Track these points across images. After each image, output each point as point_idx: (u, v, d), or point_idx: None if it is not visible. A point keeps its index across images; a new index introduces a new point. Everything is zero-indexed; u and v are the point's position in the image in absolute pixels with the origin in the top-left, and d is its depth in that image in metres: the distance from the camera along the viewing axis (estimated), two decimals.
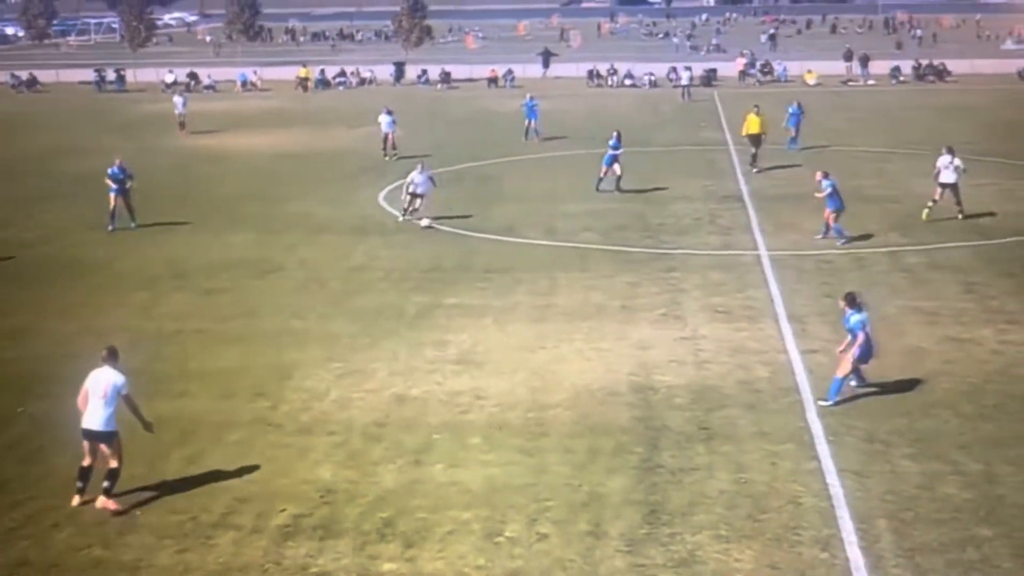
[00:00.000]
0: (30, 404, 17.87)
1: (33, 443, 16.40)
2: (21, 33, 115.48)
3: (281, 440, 16.42)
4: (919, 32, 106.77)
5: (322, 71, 75.29)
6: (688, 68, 66.14)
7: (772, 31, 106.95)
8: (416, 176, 30.72)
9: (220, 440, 16.41)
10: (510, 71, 73.59)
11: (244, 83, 73.27)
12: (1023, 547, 12.98)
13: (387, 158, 42.00)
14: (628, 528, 13.58)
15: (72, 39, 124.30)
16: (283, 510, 14.15)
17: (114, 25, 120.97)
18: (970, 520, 13.63)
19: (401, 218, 31.05)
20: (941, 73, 72.41)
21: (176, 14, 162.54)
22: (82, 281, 25.65)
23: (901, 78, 71.60)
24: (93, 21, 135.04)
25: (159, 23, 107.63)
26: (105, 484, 14.05)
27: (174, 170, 41.43)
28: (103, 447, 14.15)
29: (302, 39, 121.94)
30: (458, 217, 31.29)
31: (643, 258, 26.86)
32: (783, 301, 22.94)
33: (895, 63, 73.55)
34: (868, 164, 39.81)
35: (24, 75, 75.69)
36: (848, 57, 76.04)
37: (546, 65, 78.28)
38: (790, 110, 43.68)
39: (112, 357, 14.31)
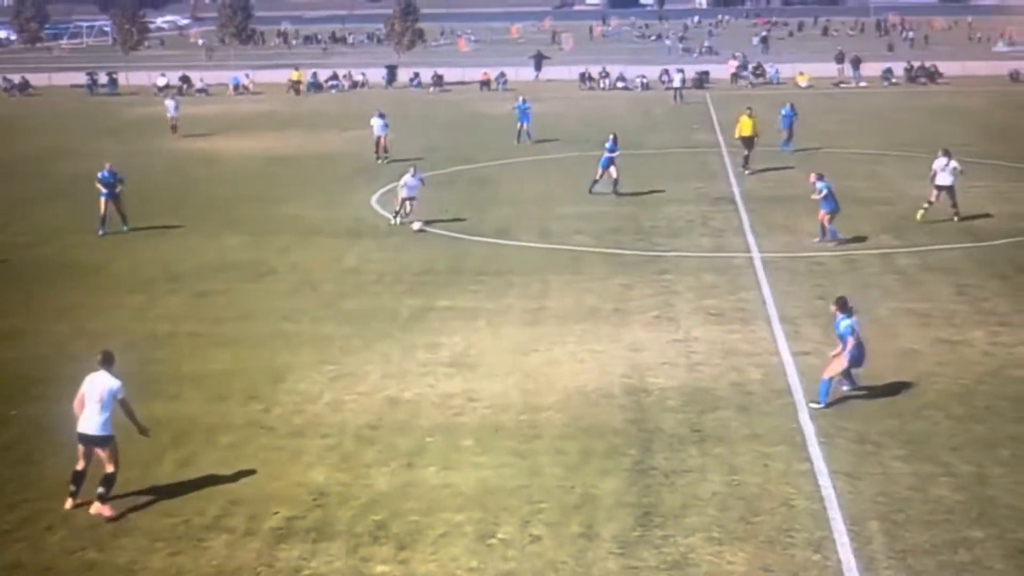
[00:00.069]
0: (24, 406, 17.86)
1: (27, 446, 16.39)
2: (13, 37, 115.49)
3: (274, 443, 16.43)
4: (911, 34, 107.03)
5: (314, 74, 75.35)
6: (680, 70, 66.22)
7: (764, 33, 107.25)
8: (408, 179, 30.72)
9: (213, 443, 16.41)
10: (502, 74, 73.65)
11: (236, 86, 73.22)
12: (1015, 549, 13.02)
13: (379, 161, 42.01)
14: (621, 530, 13.60)
15: (64, 42, 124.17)
16: (276, 513, 14.16)
17: (106, 28, 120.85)
18: (962, 522, 13.66)
19: (393, 221, 31.07)
20: (933, 75, 72.59)
21: (168, 17, 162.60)
22: (76, 283, 25.63)
23: (893, 80, 71.76)
24: (85, 24, 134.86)
25: (151, 26, 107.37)
26: (100, 490, 14.03)
27: (167, 173, 41.45)
28: (99, 452, 14.13)
29: (294, 42, 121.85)
30: (450, 220, 31.32)
31: (636, 260, 26.90)
32: (775, 303, 22.96)
33: (887, 65, 73.69)
34: (860, 166, 39.87)
35: (16, 79, 75.72)
36: (840, 59, 76.25)
37: (538, 68, 78.38)
38: (783, 112, 43.80)
39: (108, 362, 14.29)
